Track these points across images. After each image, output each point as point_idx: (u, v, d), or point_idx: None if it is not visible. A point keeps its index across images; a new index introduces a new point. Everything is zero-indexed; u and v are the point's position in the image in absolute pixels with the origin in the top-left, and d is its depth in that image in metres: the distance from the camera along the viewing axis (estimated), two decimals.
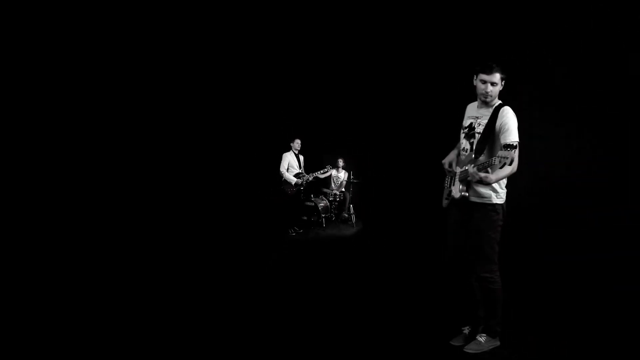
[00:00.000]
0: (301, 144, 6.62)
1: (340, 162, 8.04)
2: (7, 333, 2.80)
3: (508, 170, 2.26)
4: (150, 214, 6.26)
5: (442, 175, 2.85)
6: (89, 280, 3.95)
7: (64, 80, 5.39)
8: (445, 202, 2.76)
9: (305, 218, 7.29)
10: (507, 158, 2.12)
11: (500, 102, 2.52)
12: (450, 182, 2.71)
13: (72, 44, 5.35)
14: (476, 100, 2.62)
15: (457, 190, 2.57)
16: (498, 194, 2.50)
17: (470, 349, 2.53)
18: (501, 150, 2.25)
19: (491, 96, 2.47)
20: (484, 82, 2.46)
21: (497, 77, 2.44)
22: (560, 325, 2.92)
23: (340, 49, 7.16)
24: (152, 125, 6.44)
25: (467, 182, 2.52)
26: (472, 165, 2.41)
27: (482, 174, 2.32)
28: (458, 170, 2.62)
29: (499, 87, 2.47)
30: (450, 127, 2.92)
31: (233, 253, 5.25)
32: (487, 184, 2.37)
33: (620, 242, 4.05)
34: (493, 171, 2.33)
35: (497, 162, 2.20)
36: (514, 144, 2.22)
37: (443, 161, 2.79)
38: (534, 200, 4.54)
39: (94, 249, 5.02)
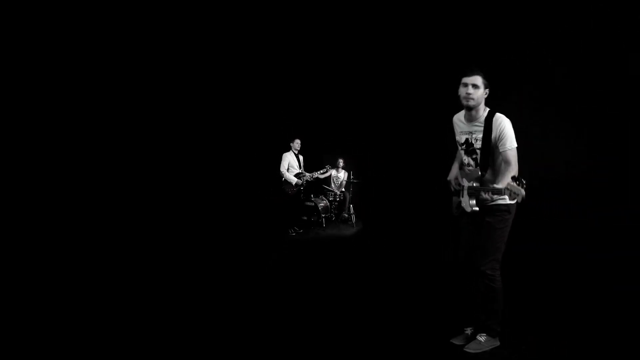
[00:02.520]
0: (301, 144, 6.62)
1: (340, 162, 8.05)
2: (7, 333, 2.80)
3: (512, 173, 2.31)
4: (151, 214, 6.26)
5: (441, 176, 2.85)
6: (89, 280, 3.95)
7: (64, 80, 5.39)
8: (456, 212, 2.74)
9: (305, 218, 7.29)
10: (517, 195, 2.11)
11: (488, 110, 2.48)
12: (460, 193, 2.68)
13: (72, 44, 5.35)
14: (460, 110, 2.61)
15: (467, 204, 2.53)
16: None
17: (471, 348, 2.53)
18: (513, 182, 2.15)
19: (473, 99, 2.41)
20: (465, 84, 2.42)
21: (478, 79, 2.39)
22: (560, 325, 2.92)
23: (340, 50, 7.16)
24: (152, 125, 6.44)
25: (477, 196, 2.50)
26: (475, 186, 2.42)
27: (492, 196, 2.33)
28: (466, 184, 2.58)
29: (481, 92, 2.41)
30: (449, 127, 2.92)
31: (233, 253, 5.25)
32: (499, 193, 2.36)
33: (620, 242, 4.05)
34: (498, 180, 2.38)
35: (506, 193, 2.19)
36: (523, 181, 2.13)
37: (448, 178, 2.76)
38: (534, 200, 4.54)
39: (95, 249, 5.02)
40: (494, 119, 2.40)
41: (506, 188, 2.20)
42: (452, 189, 2.75)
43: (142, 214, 6.15)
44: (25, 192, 5.02)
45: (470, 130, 2.53)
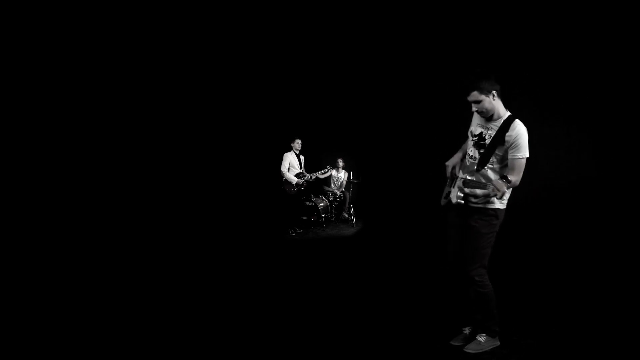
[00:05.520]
0: (302, 144, 6.62)
1: (340, 162, 8.04)
2: (7, 333, 2.80)
3: (513, 180, 2.34)
4: (151, 214, 6.26)
5: (441, 175, 2.84)
6: (88, 280, 3.95)
7: (64, 80, 5.39)
8: (443, 201, 2.72)
9: (305, 218, 7.30)
10: (499, 191, 2.15)
11: (509, 114, 2.43)
12: (451, 183, 2.68)
13: (72, 44, 5.35)
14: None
15: (454, 194, 2.52)
16: (502, 200, 2.48)
17: (470, 349, 2.54)
18: (499, 179, 2.22)
19: (483, 112, 2.42)
20: (470, 102, 2.42)
21: (475, 95, 2.35)
22: (560, 325, 2.93)
23: (341, 50, 7.17)
24: (153, 126, 6.45)
25: (470, 187, 2.47)
26: (466, 178, 2.43)
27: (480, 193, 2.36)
28: (461, 174, 2.57)
29: (487, 100, 2.37)
30: (449, 127, 2.92)
31: (233, 253, 5.25)
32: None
33: (620, 242, 4.06)
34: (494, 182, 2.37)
35: (489, 188, 2.21)
36: (510, 180, 2.23)
37: (447, 163, 2.71)
38: (534, 200, 4.55)
39: (94, 248, 5.02)
40: (512, 124, 2.36)
41: (490, 183, 2.22)
42: (447, 174, 2.72)
43: (143, 213, 6.16)
44: (25, 192, 5.03)
45: (488, 126, 2.48)
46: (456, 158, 2.70)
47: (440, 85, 5.79)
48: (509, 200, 2.54)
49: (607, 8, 4.15)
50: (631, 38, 4.02)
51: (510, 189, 2.43)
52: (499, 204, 2.48)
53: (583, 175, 4.42)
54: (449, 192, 2.63)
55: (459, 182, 2.52)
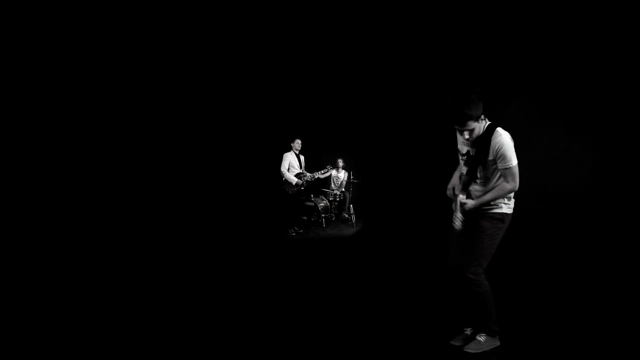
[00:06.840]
0: (302, 144, 6.62)
1: (340, 162, 8.04)
2: (7, 333, 2.80)
3: (507, 190, 2.37)
4: (152, 214, 6.26)
5: (440, 175, 2.84)
6: (88, 280, 3.95)
7: (64, 80, 5.39)
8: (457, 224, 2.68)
9: (305, 218, 7.30)
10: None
11: (488, 123, 2.42)
12: (456, 206, 2.63)
13: (72, 44, 5.35)
14: None
15: (458, 221, 2.50)
16: (509, 205, 2.50)
17: (470, 348, 2.54)
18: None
19: (473, 138, 2.42)
20: (461, 131, 2.42)
21: (470, 124, 2.35)
22: (560, 325, 2.93)
23: (341, 50, 7.17)
24: (153, 126, 6.45)
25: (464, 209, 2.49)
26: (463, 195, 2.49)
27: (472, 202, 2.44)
28: (459, 194, 2.54)
29: (477, 127, 2.38)
30: (449, 127, 2.92)
31: (233, 253, 5.26)
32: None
33: (620, 241, 4.06)
34: (487, 193, 2.43)
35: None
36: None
37: (448, 187, 2.71)
38: (534, 200, 4.55)
39: (94, 248, 5.02)
40: (493, 135, 2.36)
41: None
42: (449, 195, 2.73)
43: (143, 213, 6.16)
44: (25, 192, 5.03)
45: (473, 142, 2.49)
46: (454, 179, 2.71)
47: (440, 85, 5.79)
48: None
49: (607, 8, 4.15)
50: (631, 38, 4.02)
51: (513, 193, 2.45)
52: (507, 209, 2.50)
53: (582, 175, 4.43)
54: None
55: (458, 209, 2.49)
